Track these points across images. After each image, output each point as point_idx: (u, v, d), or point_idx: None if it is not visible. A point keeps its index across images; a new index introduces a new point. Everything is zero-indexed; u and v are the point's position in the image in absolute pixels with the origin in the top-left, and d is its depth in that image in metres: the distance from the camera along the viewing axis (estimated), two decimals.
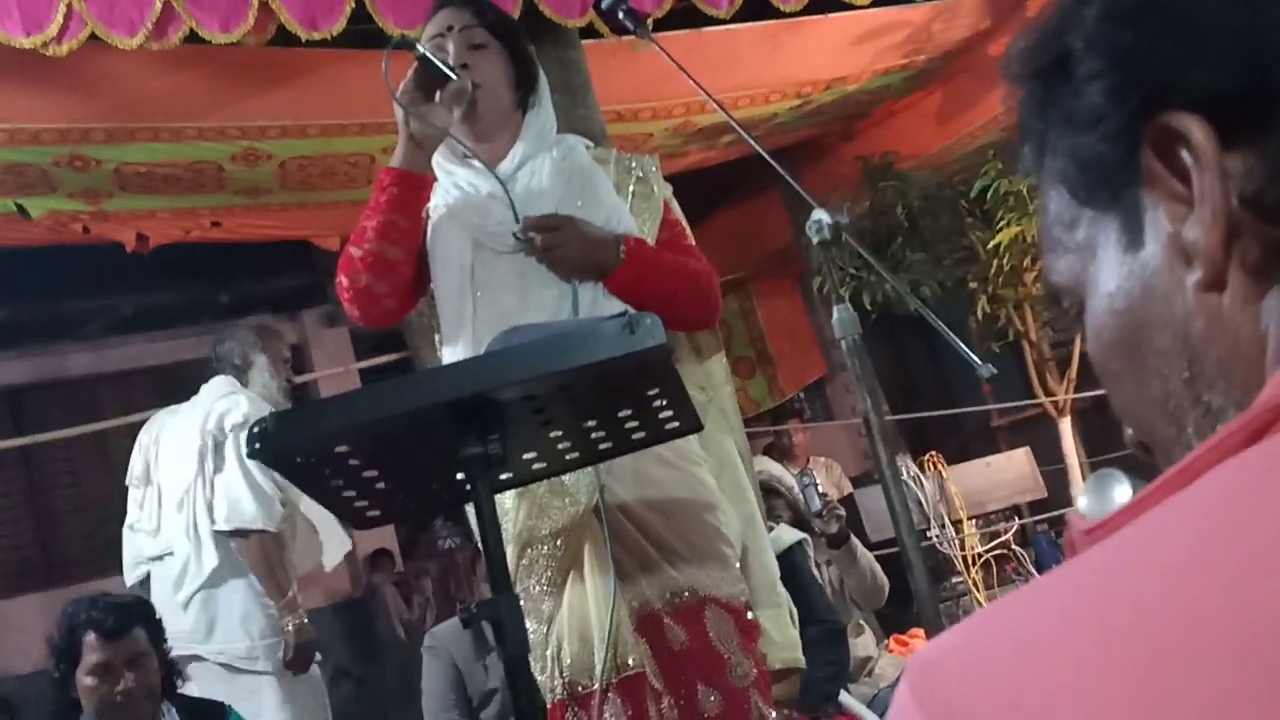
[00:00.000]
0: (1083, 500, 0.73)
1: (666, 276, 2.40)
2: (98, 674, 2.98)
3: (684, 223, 2.60)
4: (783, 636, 2.54)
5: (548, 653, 2.28)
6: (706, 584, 2.32)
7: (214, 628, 4.00)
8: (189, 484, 4.02)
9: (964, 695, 0.46)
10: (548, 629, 2.29)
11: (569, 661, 2.26)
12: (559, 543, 2.32)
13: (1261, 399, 0.49)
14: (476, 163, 2.44)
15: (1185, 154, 0.57)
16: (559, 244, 2.33)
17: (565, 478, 2.25)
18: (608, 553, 2.29)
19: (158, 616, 3.21)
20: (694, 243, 2.58)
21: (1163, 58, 0.57)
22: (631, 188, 2.52)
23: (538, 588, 2.32)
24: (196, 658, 3.93)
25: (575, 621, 2.30)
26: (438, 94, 2.35)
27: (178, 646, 3.43)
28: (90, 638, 2.99)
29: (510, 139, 2.46)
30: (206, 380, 4.25)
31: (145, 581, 4.16)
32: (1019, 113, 0.66)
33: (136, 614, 3.11)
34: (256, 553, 3.99)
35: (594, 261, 2.34)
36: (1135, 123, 0.58)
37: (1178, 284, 0.58)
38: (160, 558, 4.10)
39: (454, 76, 2.34)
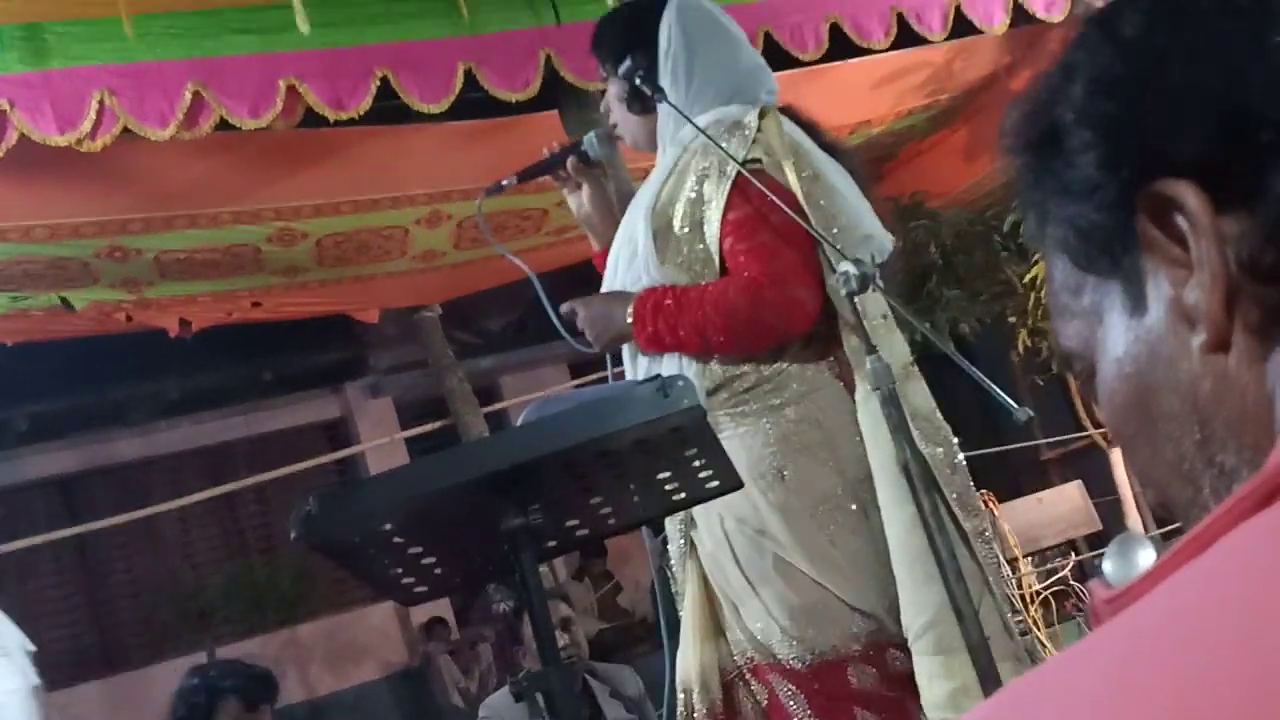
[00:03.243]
0: (1107, 564, 0.73)
1: (686, 314, 2.28)
2: None
3: (759, 212, 2.30)
4: (930, 692, 2.17)
5: None
6: (764, 649, 2.28)
7: None
8: None
9: None
10: None
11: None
12: (677, 579, 2.42)
13: (1272, 461, 0.49)
14: None
15: (1180, 220, 0.57)
16: (580, 330, 2.39)
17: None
18: (695, 600, 2.35)
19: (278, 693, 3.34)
20: (764, 240, 2.30)
21: (1149, 128, 0.58)
22: (699, 190, 2.34)
23: None
24: None
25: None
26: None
27: None
28: (231, 703, 3.11)
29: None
30: None
31: None
32: (1018, 183, 0.67)
33: (271, 690, 3.27)
34: None
35: (614, 332, 2.37)
36: (1129, 191, 0.58)
37: (1183, 347, 0.58)
38: None
39: (565, 159, 2.51)
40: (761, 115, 2.36)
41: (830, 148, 2.46)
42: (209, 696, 3.11)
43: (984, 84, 6.69)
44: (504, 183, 2.50)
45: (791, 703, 2.25)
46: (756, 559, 2.28)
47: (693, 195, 2.34)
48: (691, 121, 2.34)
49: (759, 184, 2.26)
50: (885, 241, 2.36)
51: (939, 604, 2.11)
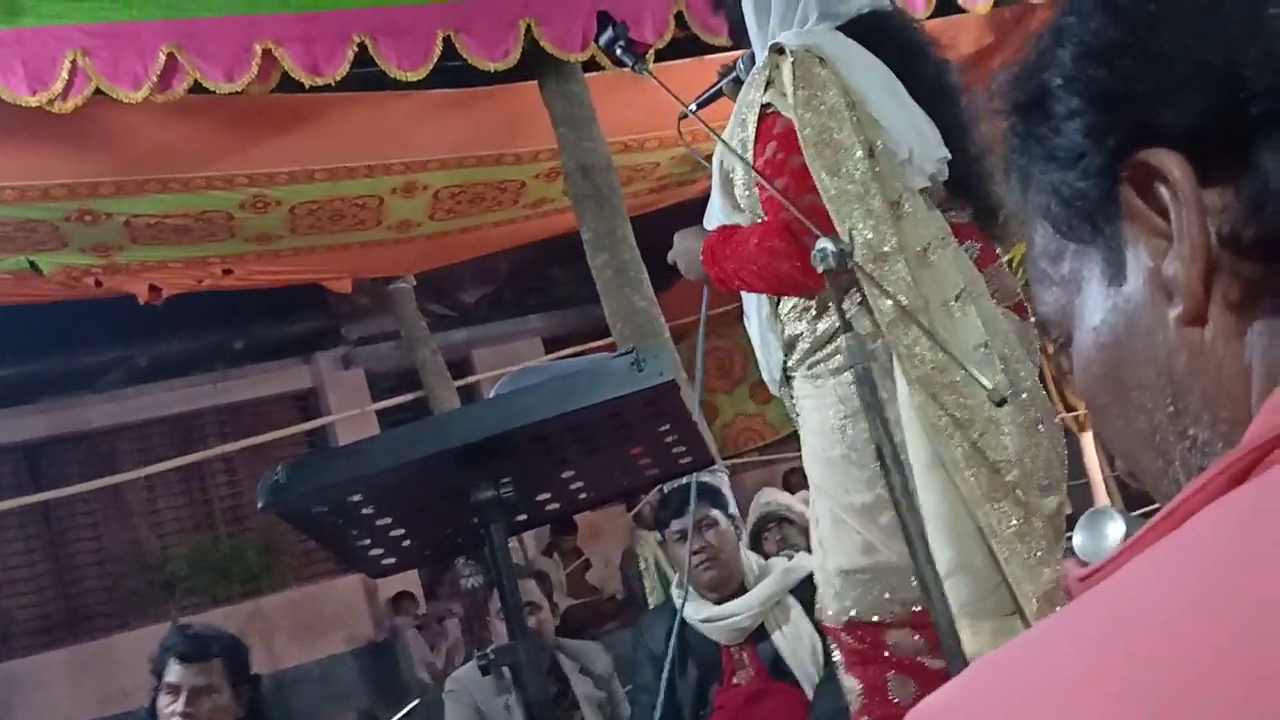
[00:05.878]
0: (1077, 537, 0.73)
1: (729, 259, 2.36)
2: (170, 693, 3.02)
3: (774, 161, 2.30)
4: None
5: None
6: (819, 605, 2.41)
7: None
8: None
9: None
10: None
11: None
12: None
13: (1247, 437, 0.49)
14: None
15: (1164, 190, 0.57)
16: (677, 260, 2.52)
17: None
18: None
19: (245, 654, 3.20)
20: (779, 188, 2.27)
21: (1138, 96, 0.57)
22: (743, 139, 2.38)
23: None
24: None
25: None
26: None
27: None
28: (171, 661, 3.06)
29: None
30: None
31: None
32: (1004, 146, 0.66)
33: (218, 646, 3.12)
34: None
35: (696, 268, 2.45)
36: (1114, 160, 0.58)
37: (1160, 319, 0.58)
38: None
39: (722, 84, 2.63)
40: (779, 51, 2.31)
41: (908, 51, 2.35)
42: (160, 657, 3.10)
43: (966, 64, 6.66)
44: (687, 110, 2.57)
45: (835, 655, 2.37)
46: (817, 516, 2.38)
47: (740, 143, 2.40)
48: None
49: (779, 127, 2.29)
50: (925, 163, 2.24)
51: (950, 560, 2.11)
